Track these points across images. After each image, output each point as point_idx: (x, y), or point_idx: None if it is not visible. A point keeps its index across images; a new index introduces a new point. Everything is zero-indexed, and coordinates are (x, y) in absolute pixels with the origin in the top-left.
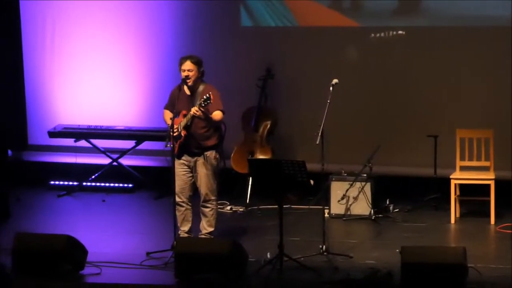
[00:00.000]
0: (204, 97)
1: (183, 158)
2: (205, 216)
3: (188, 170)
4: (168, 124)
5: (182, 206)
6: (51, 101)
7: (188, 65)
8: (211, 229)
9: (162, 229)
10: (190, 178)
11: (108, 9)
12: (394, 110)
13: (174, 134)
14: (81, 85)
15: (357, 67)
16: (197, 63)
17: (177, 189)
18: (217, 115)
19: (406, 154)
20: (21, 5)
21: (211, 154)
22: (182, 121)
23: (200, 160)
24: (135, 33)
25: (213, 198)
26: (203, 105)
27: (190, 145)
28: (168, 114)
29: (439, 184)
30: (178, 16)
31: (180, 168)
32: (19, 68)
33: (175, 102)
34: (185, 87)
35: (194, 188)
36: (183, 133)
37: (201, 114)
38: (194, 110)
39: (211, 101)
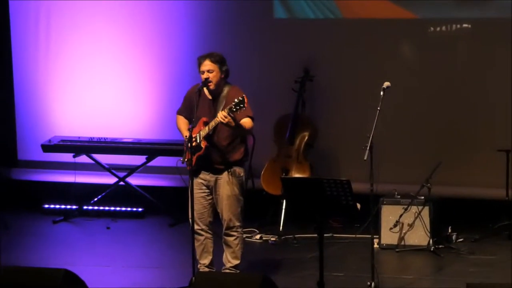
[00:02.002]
0: (236, 100)
1: (201, 176)
2: (229, 246)
3: (207, 191)
4: (184, 135)
5: (201, 235)
6: (45, 108)
7: (207, 65)
8: (237, 261)
9: (178, 262)
10: (210, 201)
11: (117, 3)
12: (458, 119)
13: (192, 145)
14: (82, 90)
15: (413, 68)
16: (219, 61)
17: (194, 214)
18: (247, 122)
19: (472, 172)
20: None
21: (236, 170)
22: (202, 130)
23: (223, 179)
24: (146, 29)
25: (238, 224)
26: (234, 110)
27: (211, 159)
28: (182, 121)
29: None
30: (198, 7)
31: (198, 189)
32: (7, 70)
33: (193, 107)
34: (206, 90)
35: (214, 213)
36: (203, 144)
37: (230, 120)
38: (222, 115)
39: (245, 105)
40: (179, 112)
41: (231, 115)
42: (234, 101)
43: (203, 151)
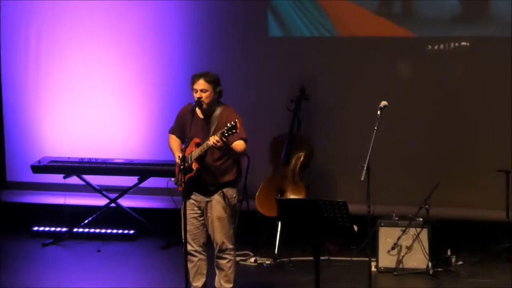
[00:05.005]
0: (229, 124)
1: (192, 197)
2: (222, 269)
3: (199, 212)
4: (176, 155)
5: (195, 256)
6: (35, 129)
7: (201, 84)
8: (230, 285)
9: (171, 286)
10: (203, 221)
11: (108, 21)
12: (457, 139)
13: (185, 165)
14: (72, 110)
15: (410, 87)
16: (213, 81)
17: (187, 235)
18: (239, 145)
19: (472, 193)
20: None
21: (228, 192)
22: (194, 151)
23: (215, 200)
24: (139, 48)
25: (230, 246)
26: (227, 135)
27: (202, 181)
28: (174, 140)
29: None
30: (191, 25)
31: (190, 210)
32: None
33: (186, 126)
34: (198, 110)
35: (208, 234)
36: (194, 166)
37: (222, 145)
38: (214, 140)
39: (237, 131)
40: (172, 131)
41: (224, 139)
42: (226, 126)
43: (194, 173)
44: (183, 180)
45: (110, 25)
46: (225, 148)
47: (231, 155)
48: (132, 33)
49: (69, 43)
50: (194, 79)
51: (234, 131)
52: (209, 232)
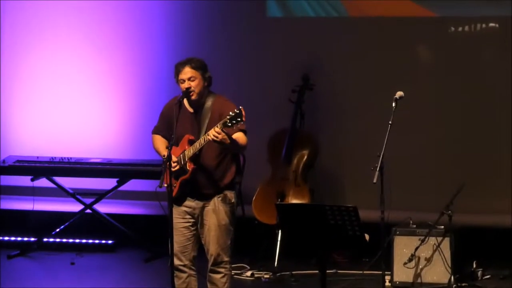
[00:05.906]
0: (231, 113)
1: (186, 203)
2: (215, 285)
3: (192, 221)
4: (163, 155)
5: (184, 272)
6: None
7: (188, 72)
8: None
9: None
10: (194, 232)
11: (75, 8)
12: (484, 134)
13: (174, 169)
14: (42, 103)
15: (430, 75)
16: (201, 67)
17: (176, 248)
18: (241, 138)
19: (501, 197)
20: None
21: (227, 195)
22: (187, 150)
23: (211, 205)
24: (116, 33)
25: (226, 259)
26: (230, 124)
27: (198, 184)
28: (160, 141)
29: None
30: (174, 8)
31: (181, 218)
32: None
33: (172, 123)
34: (186, 102)
35: (199, 246)
36: (189, 167)
37: (225, 137)
38: (215, 132)
39: (243, 119)
40: (156, 131)
41: (225, 131)
42: (229, 114)
43: (189, 175)
44: (170, 184)
45: (84, 16)
46: (228, 142)
47: (232, 150)
48: (108, 18)
49: (40, 36)
50: (179, 68)
51: (239, 119)
52: (203, 242)
